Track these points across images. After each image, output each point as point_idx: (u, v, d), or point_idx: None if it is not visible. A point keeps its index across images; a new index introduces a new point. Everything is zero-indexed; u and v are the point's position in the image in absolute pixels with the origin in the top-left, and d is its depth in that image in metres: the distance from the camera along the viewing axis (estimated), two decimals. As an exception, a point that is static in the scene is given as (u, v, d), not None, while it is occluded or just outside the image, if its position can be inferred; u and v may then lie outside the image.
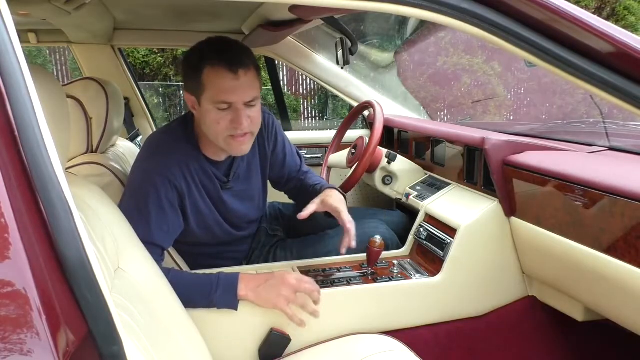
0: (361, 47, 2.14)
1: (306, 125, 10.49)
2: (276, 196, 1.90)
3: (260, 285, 1.27)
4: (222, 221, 1.49)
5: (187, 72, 1.33)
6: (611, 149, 1.47)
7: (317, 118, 10.70)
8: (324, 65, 2.45)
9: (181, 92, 9.09)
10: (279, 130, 1.61)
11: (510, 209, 1.43)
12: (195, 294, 1.25)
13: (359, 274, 1.47)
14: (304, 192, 1.65)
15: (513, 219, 1.43)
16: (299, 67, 2.45)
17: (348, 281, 1.42)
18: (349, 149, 2.07)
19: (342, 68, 2.13)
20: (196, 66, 1.29)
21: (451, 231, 1.48)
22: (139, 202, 1.30)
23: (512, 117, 9.16)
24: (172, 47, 8.13)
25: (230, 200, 1.48)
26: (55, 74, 8.96)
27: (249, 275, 1.30)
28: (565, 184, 1.21)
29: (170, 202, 1.33)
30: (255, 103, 1.33)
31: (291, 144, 1.68)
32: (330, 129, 2.74)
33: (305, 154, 2.46)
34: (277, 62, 2.72)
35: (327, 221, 1.58)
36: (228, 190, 1.48)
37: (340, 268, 1.51)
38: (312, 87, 10.38)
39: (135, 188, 1.34)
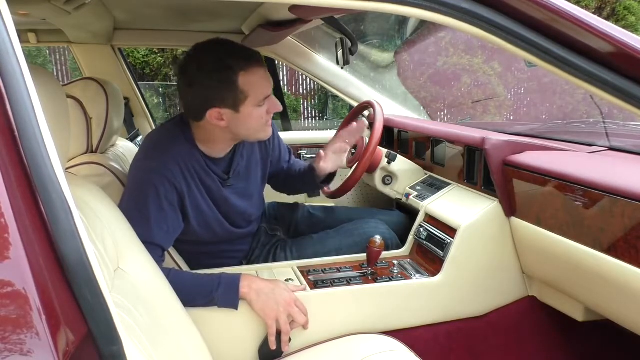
0: (361, 47, 2.14)
1: (306, 125, 10.48)
2: (275, 196, 1.90)
3: (262, 289, 1.27)
4: (223, 219, 1.49)
5: (217, 91, 1.28)
6: (611, 149, 1.47)
7: (317, 118, 10.69)
8: (324, 65, 2.45)
9: (181, 92, 9.05)
10: (274, 125, 1.63)
11: (510, 209, 1.43)
12: (196, 293, 1.25)
13: (359, 274, 1.47)
14: (292, 177, 1.73)
15: (513, 219, 1.43)
16: (299, 67, 2.45)
17: (348, 281, 1.42)
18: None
19: (342, 68, 2.12)
20: (228, 79, 1.26)
21: (451, 231, 1.48)
22: (138, 202, 1.30)
23: (512, 117, 9.15)
24: (172, 47, 8.11)
25: (231, 197, 1.48)
26: (55, 74, 8.95)
27: (252, 275, 1.31)
28: (565, 184, 1.21)
29: (170, 201, 1.33)
30: None
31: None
32: (330, 129, 2.73)
33: (305, 154, 2.46)
34: (277, 62, 2.72)
35: (328, 221, 1.57)
36: (228, 187, 1.48)
37: (340, 268, 1.51)
38: (312, 87, 10.37)
39: (135, 188, 1.34)
